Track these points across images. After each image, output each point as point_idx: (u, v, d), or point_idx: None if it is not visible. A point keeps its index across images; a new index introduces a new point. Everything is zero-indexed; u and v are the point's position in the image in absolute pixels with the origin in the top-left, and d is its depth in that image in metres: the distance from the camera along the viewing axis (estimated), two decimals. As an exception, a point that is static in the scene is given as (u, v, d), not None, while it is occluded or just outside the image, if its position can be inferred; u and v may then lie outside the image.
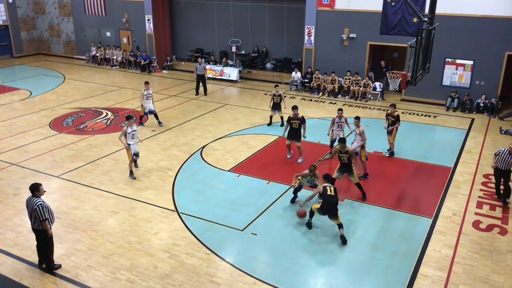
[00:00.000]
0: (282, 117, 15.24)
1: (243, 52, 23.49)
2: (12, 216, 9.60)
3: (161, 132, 14.73)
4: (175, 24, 25.33)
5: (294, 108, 12.57)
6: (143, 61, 24.05)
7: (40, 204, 7.48)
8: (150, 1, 23.54)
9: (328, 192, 8.75)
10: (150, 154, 12.97)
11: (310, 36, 20.12)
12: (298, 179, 10.09)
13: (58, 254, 8.24)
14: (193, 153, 13.06)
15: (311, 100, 18.99)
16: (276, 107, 15.15)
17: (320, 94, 19.59)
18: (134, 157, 11.53)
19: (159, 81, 22.35)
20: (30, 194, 7.67)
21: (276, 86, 15.73)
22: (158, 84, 21.65)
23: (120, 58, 24.91)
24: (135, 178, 11.37)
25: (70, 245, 8.56)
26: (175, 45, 25.71)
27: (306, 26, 20.12)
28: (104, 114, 16.64)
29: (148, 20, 24.02)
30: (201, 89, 19.50)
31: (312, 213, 9.20)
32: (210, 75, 22.26)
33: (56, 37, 28.25)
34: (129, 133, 11.21)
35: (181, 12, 24.97)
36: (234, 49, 22.99)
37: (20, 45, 27.60)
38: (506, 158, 10.03)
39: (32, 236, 8.01)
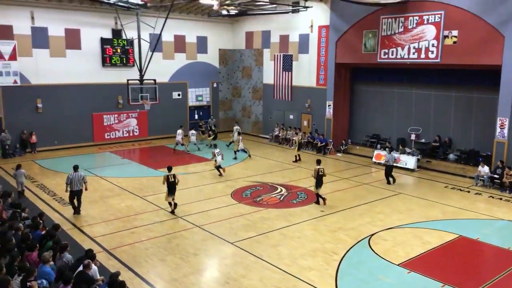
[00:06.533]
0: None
1: (423, 140, 22.54)
2: (189, 274, 10.59)
3: (330, 214, 14.78)
4: (354, 109, 26.06)
5: None
6: (319, 143, 25.08)
7: (83, 173, 14.48)
8: (332, 88, 24.94)
9: (320, 173, 15.36)
10: (317, 234, 13.04)
11: (503, 128, 18.28)
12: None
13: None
14: (361, 240, 12.64)
15: (501, 198, 16.80)
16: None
17: (513, 193, 17.24)
18: None
19: (332, 163, 22.84)
20: (73, 170, 14.08)
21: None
22: (331, 166, 22.11)
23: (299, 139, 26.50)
24: None
25: (234, 312, 8.93)
26: (351, 129, 26.26)
27: (498, 118, 18.42)
28: (279, 190, 17.59)
29: (329, 105, 25.30)
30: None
31: (318, 195, 15.66)
32: (383, 162, 21.75)
33: (246, 117, 31.84)
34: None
35: (360, 99, 25.67)
36: (413, 136, 22.26)
37: (217, 122, 31.83)
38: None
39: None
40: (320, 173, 15.36)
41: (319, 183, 15.43)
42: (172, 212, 14.45)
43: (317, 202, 15.71)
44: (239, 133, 24.42)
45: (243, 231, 13.22)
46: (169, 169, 14.86)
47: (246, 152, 23.28)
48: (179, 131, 24.69)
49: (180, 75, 29.29)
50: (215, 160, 19.18)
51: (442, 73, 21.54)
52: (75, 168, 14.35)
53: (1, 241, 9.02)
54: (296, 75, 26.40)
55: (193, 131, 25.42)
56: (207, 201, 16.12)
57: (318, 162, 15.88)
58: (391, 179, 18.68)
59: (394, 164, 19.37)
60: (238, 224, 13.84)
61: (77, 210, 14.42)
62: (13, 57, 22.70)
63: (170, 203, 14.51)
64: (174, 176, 14.37)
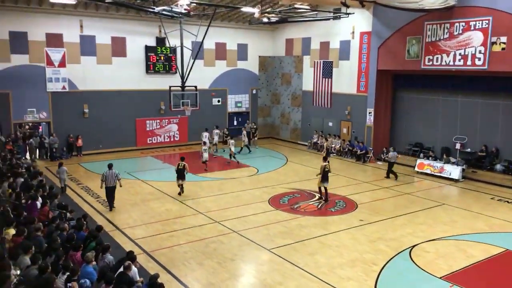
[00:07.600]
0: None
1: (468, 150, 21.71)
2: (226, 279, 10.65)
3: (369, 223, 14.47)
4: (396, 117, 25.45)
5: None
6: (359, 151, 24.66)
7: (117, 171, 15.40)
8: (373, 96, 24.50)
9: (326, 169, 16.41)
10: (356, 244, 12.80)
11: (557, 138, 17.33)
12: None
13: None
14: (402, 251, 12.29)
15: (553, 212, 15.91)
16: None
17: None
18: None
19: (372, 171, 22.40)
20: (107, 168, 15.19)
21: None
22: (371, 174, 21.71)
23: (338, 146, 26.17)
24: None
25: (269, 319, 8.89)
26: (393, 137, 25.63)
27: (551, 127, 17.50)
28: (317, 197, 17.41)
29: (370, 113, 24.86)
30: None
31: (323, 189, 16.62)
32: (428, 171, 21.17)
33: (285, 124, 31.79)
34: None
35: (403, 107, 25.05)
36: (458, 146, 21.48)
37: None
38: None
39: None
40: (326, 169, 16.48)
41: (325, 178, 16.55)
42: (179, 194, 17.21)
43: (321, 197, 16.90)
44: (231, 137, 25.29)
45: (280, 238, 13.16)
46: (182, 159, 17.39)
47: (234, 157, 23.53)
48: (205, 134, 25.14)
49: (220, 81, 29.67)
50: (203, 156, 21.67)
51: (489, 80, 20.68)
52: (110, 166, 15.44)
53: (48, 240, 9.40)
54: (336, 82, 26.14)
55: (216, 131, 26.22)
56: (244, 207, 16.19)
57: (324, 159, 17.29)
58: (392, 175, 20.40)
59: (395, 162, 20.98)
60: (275, 230, 13.80)
61: (111, 205, 15.61)
62: (62, 64, 23.79)
63: (179, 186, 17.25)
64: (183, 165, 17.00)
